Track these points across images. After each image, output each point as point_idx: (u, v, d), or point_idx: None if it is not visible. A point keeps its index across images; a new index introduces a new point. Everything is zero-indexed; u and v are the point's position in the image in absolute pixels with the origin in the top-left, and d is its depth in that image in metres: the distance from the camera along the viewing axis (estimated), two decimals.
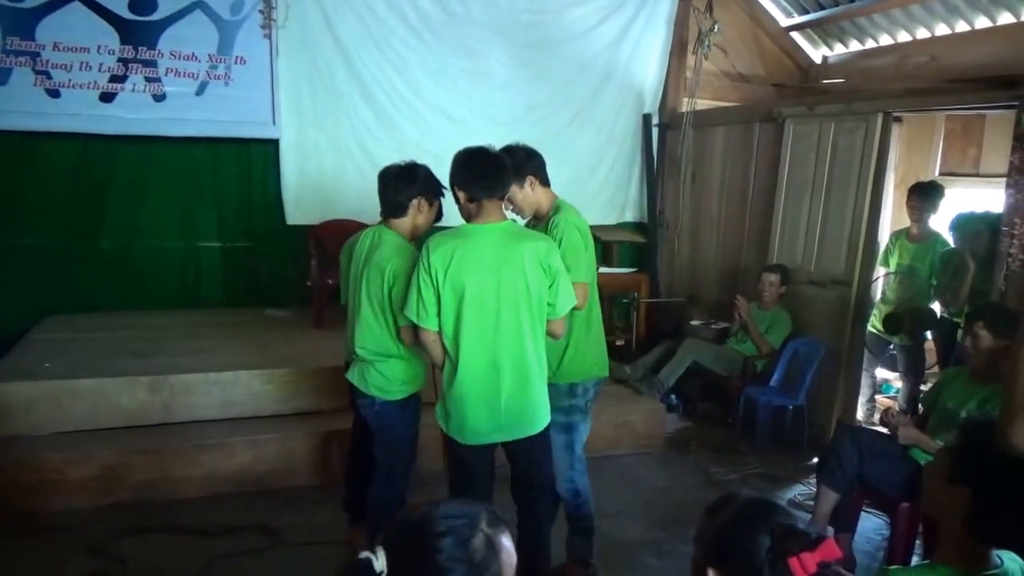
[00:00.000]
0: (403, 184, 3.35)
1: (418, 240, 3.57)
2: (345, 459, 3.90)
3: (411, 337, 3.24)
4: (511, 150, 3.39)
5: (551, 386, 3.38)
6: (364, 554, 1.37)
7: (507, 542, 1.45)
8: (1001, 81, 4.59)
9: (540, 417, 3.13)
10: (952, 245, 5.27)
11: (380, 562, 1.35)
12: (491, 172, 3.03)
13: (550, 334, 3.13)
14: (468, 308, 2.92)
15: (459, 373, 2.98)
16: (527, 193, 3.38)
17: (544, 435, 3.18)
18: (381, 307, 3.26)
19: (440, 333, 3.00)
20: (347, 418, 3.86)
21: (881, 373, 6.18)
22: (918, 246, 5.48)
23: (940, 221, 5.55)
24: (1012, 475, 1.74)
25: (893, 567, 1.84)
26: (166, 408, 4.59)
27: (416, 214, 3.38)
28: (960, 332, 4.78)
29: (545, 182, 3.44)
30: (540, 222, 3.45)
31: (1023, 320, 1.67)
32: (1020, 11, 5.79)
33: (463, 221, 3.09)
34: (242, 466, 4.49)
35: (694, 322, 6.62)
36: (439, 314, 2.96)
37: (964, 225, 5.11)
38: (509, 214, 3.37)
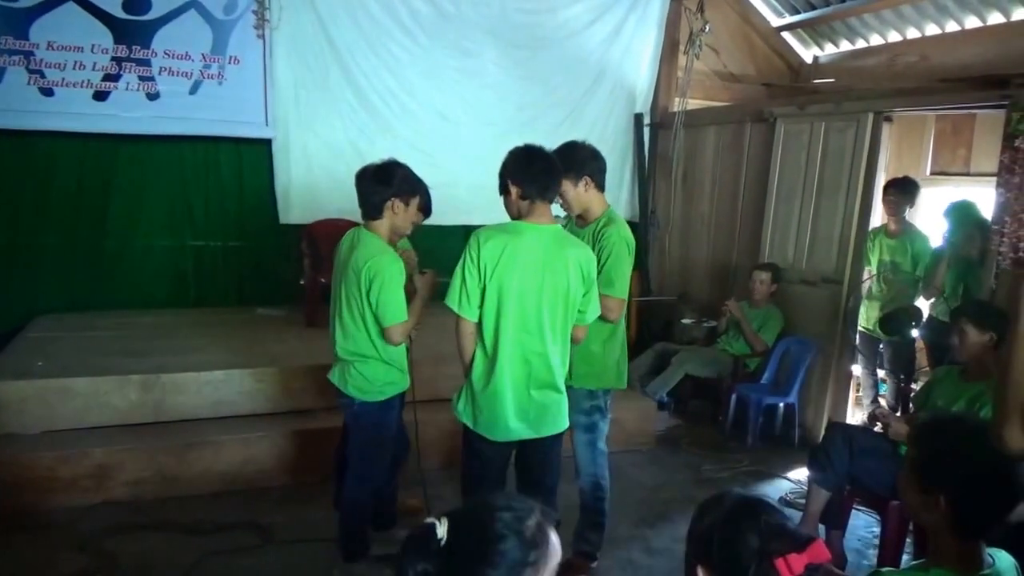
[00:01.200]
0: (377, 185, 3.31)
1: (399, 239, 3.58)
2: (333, 457, 3.90)
3: (398, 337, 3.24)
4: (576, 146, 3.44)
5: (570, 389, 3.44)
6: (429, 519, 1.41)
7: (555, 537, 1.50)
8: (991, 81, 4.61)
9: (563, 418, 3.19)
10: (942, 233, 5.32)
11: (442, 529, 1.40)
12: (548, 173, 3.05)
13: (573, 339, 3.17)
14: (510, 305, 2.94)
15: (497, 369, 2.99)
16: (580, 192, 3.40)
17: (559, 439, 3.22)
18: (359, 309, 3.26)
19: (478, 327, 3.02)
20: (338, 417, 3.85)
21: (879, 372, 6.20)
22: (897, 241, 5.53)
23: (919, 216, 5.60)
24: (986, 476, 1.75)
25: (885, 569, 1.84)
26: (158, 407, 4.59)
27: (392, 215, 3.34)
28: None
29: (600, 187, 3.47)
30: (585, 224, 3.49)
31: (1012, 320, 1.67)
32: (1010, 11, 5.82)
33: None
34: (234, 464, 4.48)
35: (685, 320, 6.64)
36: (481, 307, 2.98)
37: (959, 211, 5.14)
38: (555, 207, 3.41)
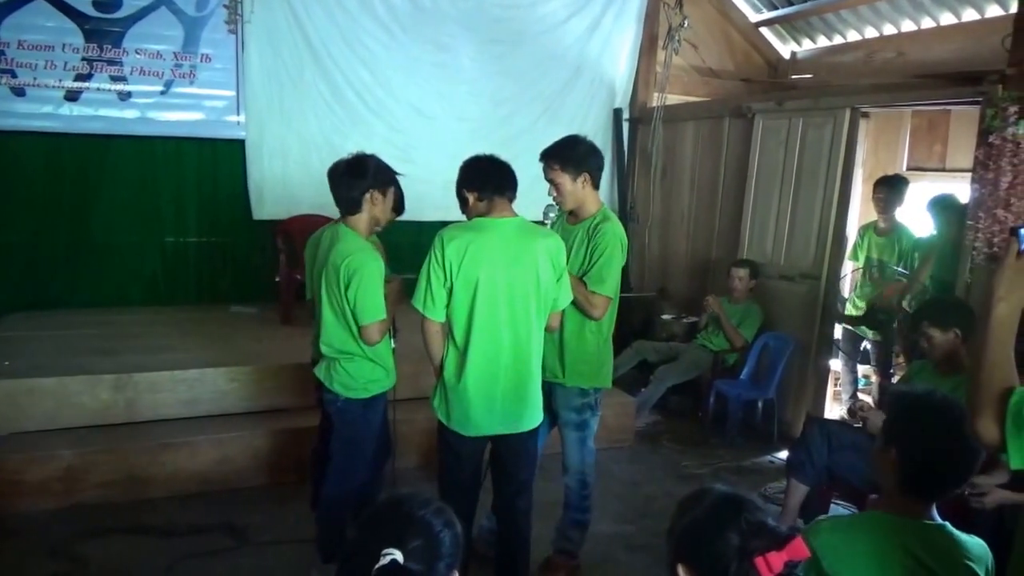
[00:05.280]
0: (353, 179, 3.26)
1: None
2: (310, 457, 3.85)
3: (376, 336, 3.20)
4: (576, 140, 3.41)
5: (561, 387, 3.46)
6: (387, 557, 1.39)
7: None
8: (966, 77, 4.63)
9: (537, 413, 3.17)
10: (926, 227, 5.33)
11: (399, 555, 1.39)
12: (499, 172, 3.08)
13: (548, 327, 3.15)
14: (481, 301, 2.92)
15: (469, 365, 2.97)
16: (576, 188, 3.37)
17: (534, 433, 3.21)
18: (340, 306, 3.21)
19: (448, 325, 3.00)
20: (314, 416, 3.82)
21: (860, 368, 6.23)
22: (886, 239, 5.54)
23: (906, 213, 5.61)
24: (934, 437, 1.92)
25: (822, 517, 1.90)
26: (130, 407, 4.51)
27: (371, 207, 3.30)
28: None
29: (596, 184, 3.45)
30: (577, 221, 3.47)
31: (984, 315, 1.67)
32: (984, 8, 5.86)
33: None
34: (208, 465, 4.42)
35: (664, 316, 6.63)
36: (448, 306, 2.96)
37: (939, 204, 5.16)
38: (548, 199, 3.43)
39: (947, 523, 1.93)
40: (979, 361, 1.65)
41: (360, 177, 3.26)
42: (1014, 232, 1.63)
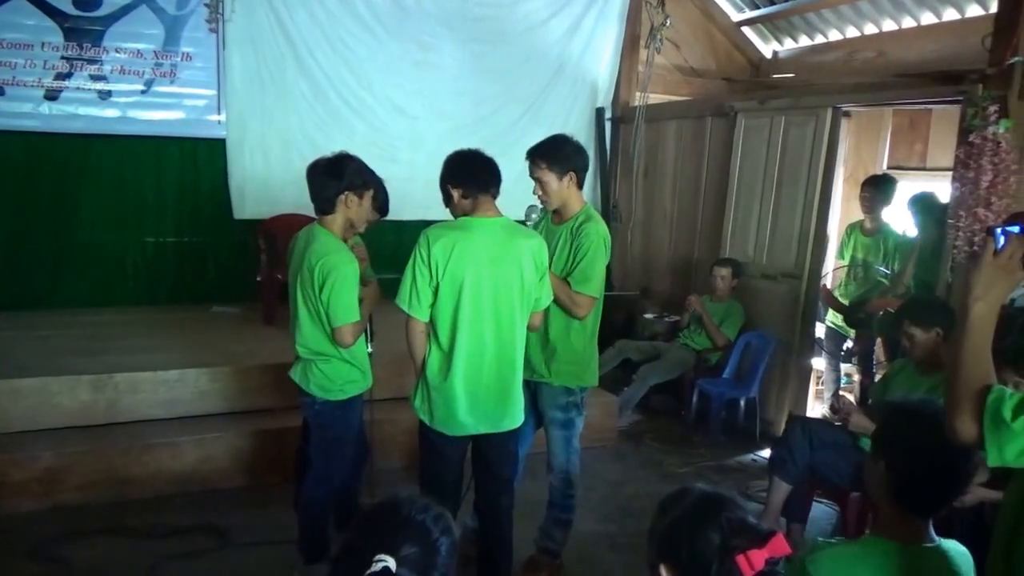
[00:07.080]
0: (329, 179, 3.22)
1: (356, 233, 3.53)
2: (295, 458, 3.84)
3: (349, 338, 3.18)
4: (562, 140, 3.41)
5: (547, 386, 3.47)
6: (379, 564, 1.36)
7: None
8: (947, 76, 4.67)
9: (519, 412, 3.18)
10: (909, 226, 5.36)
11: (391, 562, 1.36)
12: (485, 169, 3.07)
13: (529, 327, 3.16)
14: (466, 300, 2.93)
15: (454, 365, 2.98)
16: (562, 187, 3.37)
17: (517, 432, 3.22)
18: (315, 308, 3.20)
19: (431, 324, 2.99)
20: (297, 416, 3.79)
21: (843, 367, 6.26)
22: (872, 240, 5.56)
23: (893, 213, 5.64)
24: (925, 450, 1.85)
25: (822, 540, 1.88)
26: (111, 407, 4.48)
27: (346, 209, 3.26)
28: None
29: (581, 184, 3.45)
30: (562, 220, 3.46)
31: (961, 314, 1.68)
32: (965, 7, 5.90)
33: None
34: (189, 466, 4.40)
35: (647, 315, 6.64)
36: (433, 305, 2.96)
37: (922, 202, 5.19)
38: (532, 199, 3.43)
39: (942, 541, 1.88)
40: (957, 359, 1.66)
41: (336, 178, 3.22)
42: (991, 231, 1.65)
